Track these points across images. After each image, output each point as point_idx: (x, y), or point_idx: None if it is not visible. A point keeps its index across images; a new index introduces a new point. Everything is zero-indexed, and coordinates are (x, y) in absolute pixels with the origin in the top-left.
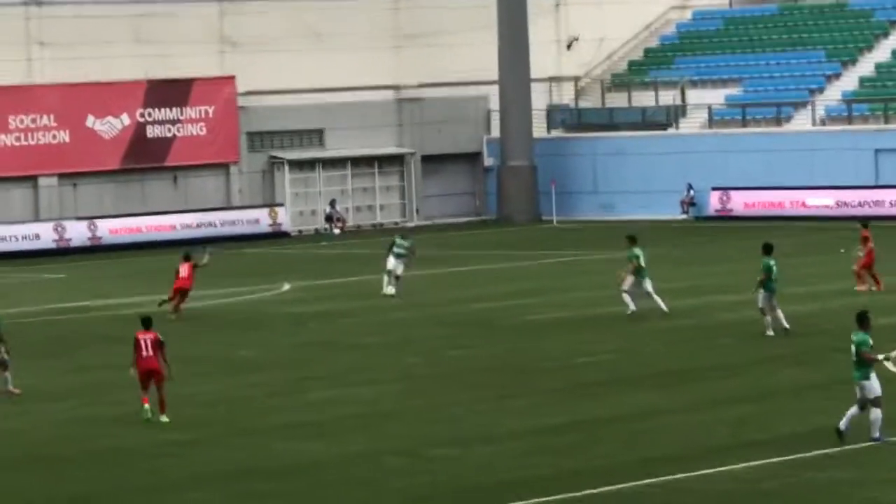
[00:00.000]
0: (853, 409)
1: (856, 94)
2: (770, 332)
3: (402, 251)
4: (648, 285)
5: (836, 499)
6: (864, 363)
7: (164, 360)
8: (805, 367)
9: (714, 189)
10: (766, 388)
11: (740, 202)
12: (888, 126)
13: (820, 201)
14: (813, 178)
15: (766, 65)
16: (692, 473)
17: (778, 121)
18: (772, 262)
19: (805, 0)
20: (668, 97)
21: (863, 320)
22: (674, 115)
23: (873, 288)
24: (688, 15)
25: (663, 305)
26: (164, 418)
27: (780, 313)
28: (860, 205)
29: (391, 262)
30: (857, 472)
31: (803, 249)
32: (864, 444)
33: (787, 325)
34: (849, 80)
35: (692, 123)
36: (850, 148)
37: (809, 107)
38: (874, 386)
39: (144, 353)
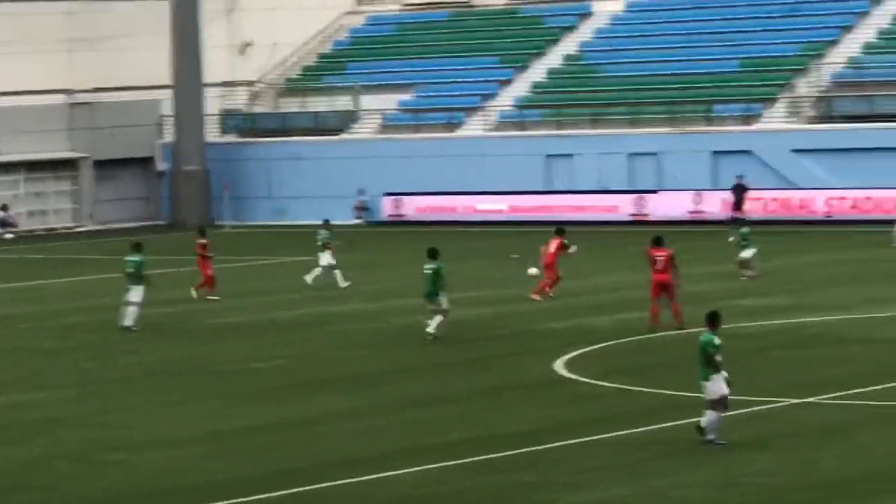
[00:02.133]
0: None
1: (528, 100)
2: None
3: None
4: (135, 296)
5: (514, 502)
6: (708, 364)
7: None
8: (480, 372)
9: (387, 194)
10: (442, 393)
11: (413, 207)
12: (559, 132)
13: (492, 206)
14: (485, 184)
15: (439, 70)
16: (369, 477)
17: (450, 126)
18: (433, 267)
19: (477, 6)
20: (342, 102)
21: (712, 320)
22: (347, 120)
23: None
24: (361, 20)
25: (129, 322)
26: None
27: (436, 318)
28: (532, 210)
29: (325, 258)
30: (536, 474)
31: (475, 254)
32: (544, 447)
33: (436, 333)
34: (521, 86)
35: (365, 129)
36: (521, 153)
37: (482, 113)
38: (712, 388)
39: None
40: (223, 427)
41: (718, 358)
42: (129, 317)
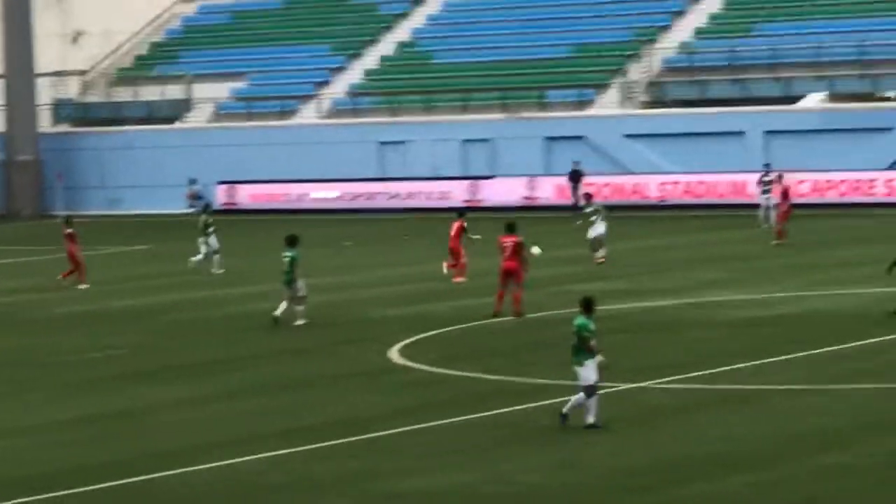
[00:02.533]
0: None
1: (361, 87)
2: (300, 322)
3: (210, 229)
4: None
5: (348, 490)
6: (581, 349)
7: None
8: (316, 359)
9: (220, 183)
10: (279, 380)
11: (246, 195)
12: (392, 119)
13: (326, 194)
14: (319, 171)
15: (272, 59)
16: (204, 466)
17: (284, 114)
18: (290, 255)
19: None
20: (175, 91)
21: (586, 305)
22: (180, 109)
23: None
24: (193, 9)
25: None
26: None
27: (297, 308)
28: (366, 197)
29: (214, 242)
30: (367, 463)
31: (309, 242)
32: (381, 434)
33: (289, 320)
34: (354, 74)
35: (199, 117)
36: (355, 141)
37: (315, 100)
38: (586, 374)
39: None
40: (59, 417)
41: (594, 343)
42: None
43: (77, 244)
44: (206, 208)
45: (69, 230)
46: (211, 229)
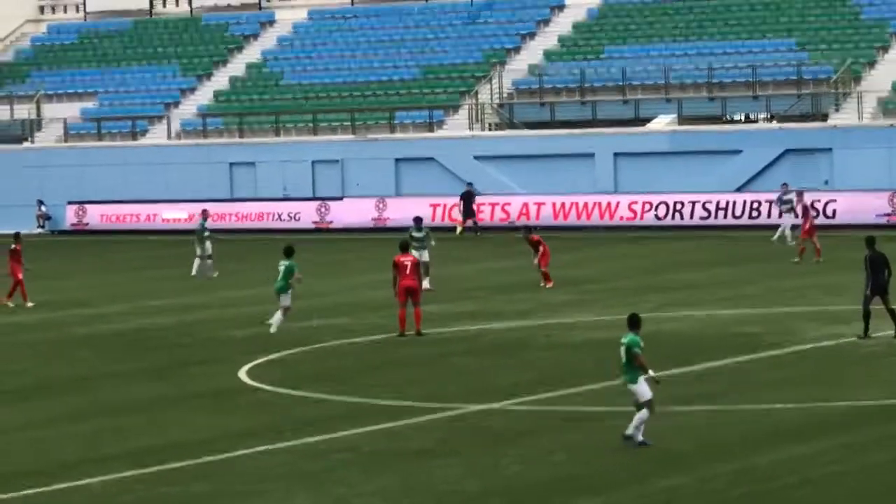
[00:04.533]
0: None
1: (210, 108)
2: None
3: (207, 234)
4: None
5: None
6: (633, 366)
7: None
8: (161, 381)
9: (70, 203)
10: (122, 402)
11: (97, 215)
12: (242, 140)
13: (175, 214)
14: (169, 192)
15: (122, 78)
16: (47, 489)
17: (134, 134)
18: (286, 264)
19: (159, 15)
20: (24, 111)
21: (634, 321)
22: (30, 128)
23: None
24: (43, 28)
25: None
26: None
27: (276, 315)
28: (216, 218)
29: (208, 248)
30: (210, 485)
31: (159, 263)
32: (225, 456)
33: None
34: (203, 94)
35: (48, 137)
36: (205, 161)
37: (165, 121)
38: (641, 390)
39: None
40: None
41: (643, 358)
42: None
43: (20, 262)
44: (205, 214)
45: (16, 246)
46: (207, 234)
